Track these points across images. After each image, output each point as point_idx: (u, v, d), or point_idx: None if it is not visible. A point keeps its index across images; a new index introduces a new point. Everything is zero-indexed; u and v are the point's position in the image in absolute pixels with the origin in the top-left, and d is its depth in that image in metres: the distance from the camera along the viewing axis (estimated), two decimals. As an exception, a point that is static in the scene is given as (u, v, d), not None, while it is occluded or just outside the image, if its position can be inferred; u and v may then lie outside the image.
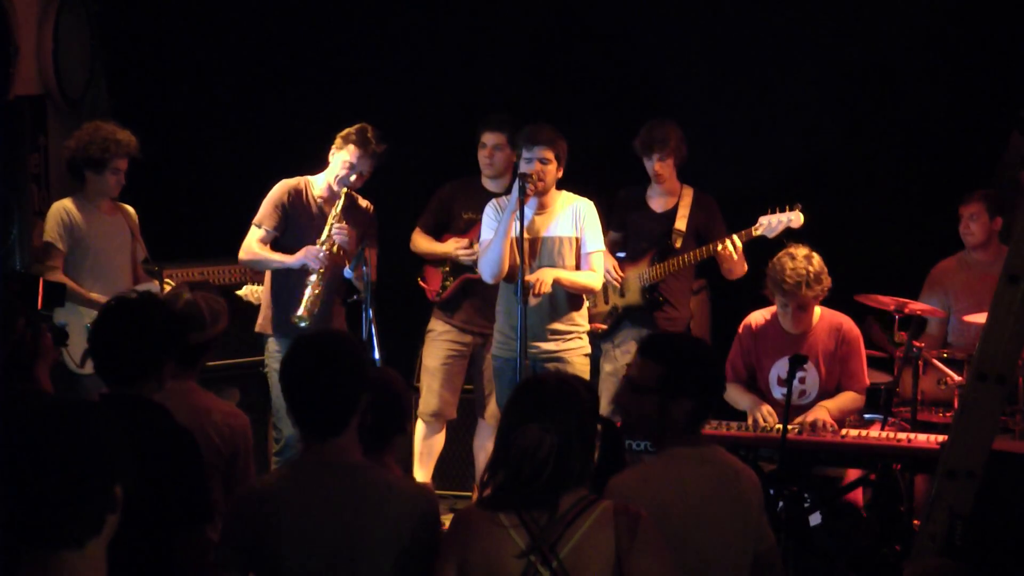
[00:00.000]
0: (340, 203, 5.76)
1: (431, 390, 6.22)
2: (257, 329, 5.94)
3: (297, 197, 5.85)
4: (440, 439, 6.33)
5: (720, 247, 5.88)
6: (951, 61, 6.63)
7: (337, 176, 5.79)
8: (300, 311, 5.60)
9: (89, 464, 2.08)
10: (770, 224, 5.82)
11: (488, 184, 6.30)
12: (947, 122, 6.66)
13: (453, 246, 6.21)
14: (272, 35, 7.37)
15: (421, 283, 6.33)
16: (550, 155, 5.58)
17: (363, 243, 5.65)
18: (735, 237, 5.89)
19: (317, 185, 5.89)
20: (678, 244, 6.12)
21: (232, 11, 7.33)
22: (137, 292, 3.79)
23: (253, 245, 5.83)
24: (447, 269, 6.28)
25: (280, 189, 5.86)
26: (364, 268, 5.48)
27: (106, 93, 7.27)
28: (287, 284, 5.81)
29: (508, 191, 6.13)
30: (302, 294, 5.67)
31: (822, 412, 5.20)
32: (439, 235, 6.32)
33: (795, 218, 5.80)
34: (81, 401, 2.14)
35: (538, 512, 2.88)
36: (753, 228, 5.87)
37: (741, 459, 5.04)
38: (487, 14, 7.15)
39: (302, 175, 5.94)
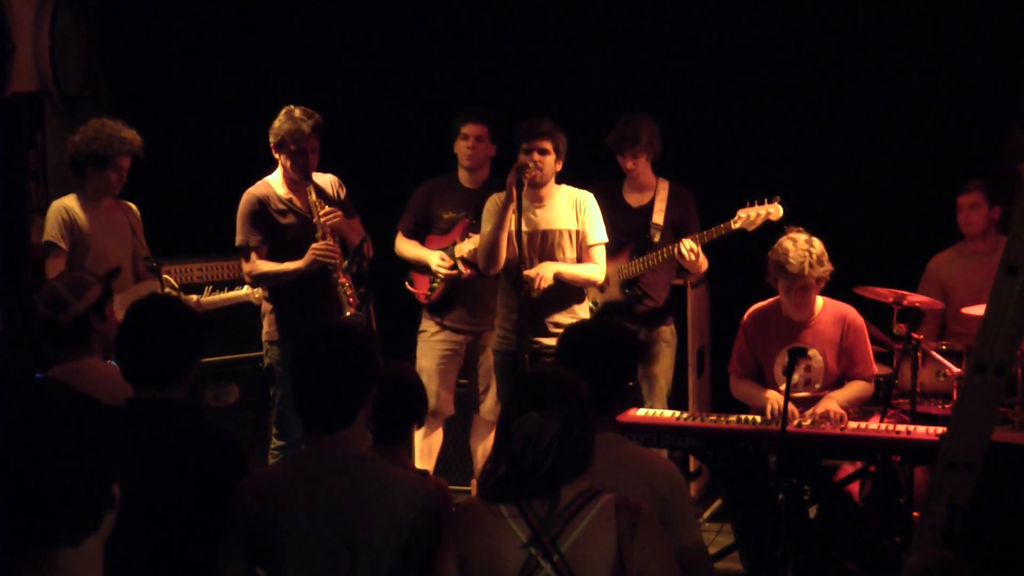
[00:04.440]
0: (312, 190, 5.72)
1: (428, 389, 6.19)
2: (265, 338, 5.93)
3: (265, 202, 5.79)
4: (439, 436, 6.34)
5: (679, 249, 5.87)
6: (948, 52, 6.62)
7: (291, 167, 5.74)
8: (347, 311, 5.58)
9: (87, 461, 2.08)
10: (748, 217, 5.80)
11: (465, 179, 6.25)
12: (944, 113, 6.65)
13: (435, 261, 6.14)
14: (270, 30, 7.38)
15: (409, 287, 6.31)
16: (548, 146, 5.59)
17: (362, 241, 5.63)
18: (687, 241, 5.86)
19: (278, 184, 5.83)
20: (656, 238, 6.12)
21: (230, 7, 7.33)
22: (158, 295, 3.79)
23: (258, 266, 5.78)
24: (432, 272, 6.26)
25: (248, 202, 5.80)
26: (364, 264, 5.47)
27: (104, 89, 7.27)
28: (285, 288, 5.80)
29: (485, 186, 6.15)
30: (333, 297, 5.66)
31: (832, 404, 5.19)
32: (421, 236, 6.27)
33: (774, 210, 5.77)
34: (79, 397, 2.13)
35: (538, 502, 2.88)
36: (732, 221, 5.84)
37: (740, 452, 5.13)
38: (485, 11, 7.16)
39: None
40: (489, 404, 6.22)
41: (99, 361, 4.06)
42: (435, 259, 6.16)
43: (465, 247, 6.11)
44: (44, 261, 5.78)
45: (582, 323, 3.64)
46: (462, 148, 6.20)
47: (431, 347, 6.23)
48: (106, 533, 2.12)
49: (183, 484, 3.22)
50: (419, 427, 3.89)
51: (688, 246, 5.86)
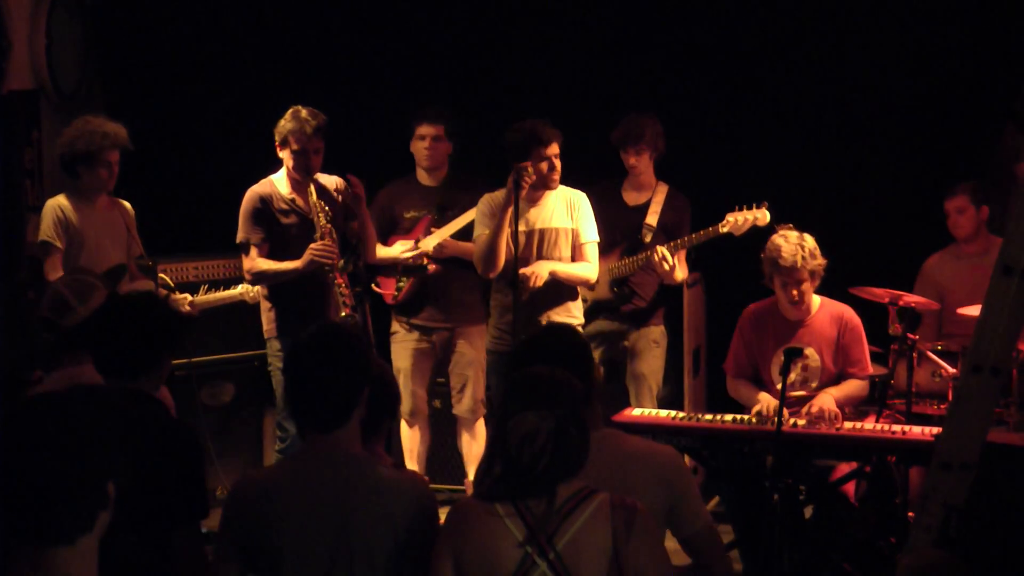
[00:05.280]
0: (313, 191, 5.73)
1: (406, 389, 6.21)
2: (265, 335, 5.94)
3: (268, 200, 5.81)
4: (425, 434, 6.36)
5: (652, 255, 5.92)
6: (944, 53, 6.63)
7: (296, 169, 5.75)
8: (343, 311, 5.60)
9: (81, 460, 2.08)
10: (736, 222, 5.85)
11: (424, 178, 6.28)
12: (940, 113, 6.66)
13: (399, 250, 6.17)
14: (267, 28, 7.37)
15: (376, 288, 6.32)
16: (558, 150, 5.64)
17: (358, 242, 5.64)
18: (661, 249, 5.90)
19: (282, 183, 5.85)
20: (648, 239, 6.14)
21: (226, 4, 7.32)
22: (135, 290, 3.80)
23: (257, 263, 5.79)
24: (399, 271, 6.25)
25: (251, 198, 5.82)
26: (360, 263, 5.48)
27: (100, 87, 7.26)
28: (285, 286, 5.81)
29: (444, 183, 6.19)
30: (332, 295, 5.69)
31: (827, 400, 5.20)
32: (385, 238, 6.26)
33: (761, 216, 5.83)
34: (74, 396, 2.13)
35: (534, 501, 2.88)
36: (720, 225, 5.89)
37: (736, 452, 5.13)
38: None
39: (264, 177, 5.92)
40: (467, 403, 6.22)
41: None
42: (398, 248, 6.17)
43: (430, 242, 6.13)
44: (41, 260, 5.79)
45: (532, 333, 3.69)
46: (419, 149, 6.22)
47: (404, 348, 6.24)
48: (101, 531, 2.13)
49: (142, 474, 3.19)
50: (391, 422, 3.90)
51: (660, 253, 5.88)
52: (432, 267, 6.14)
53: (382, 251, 6.21)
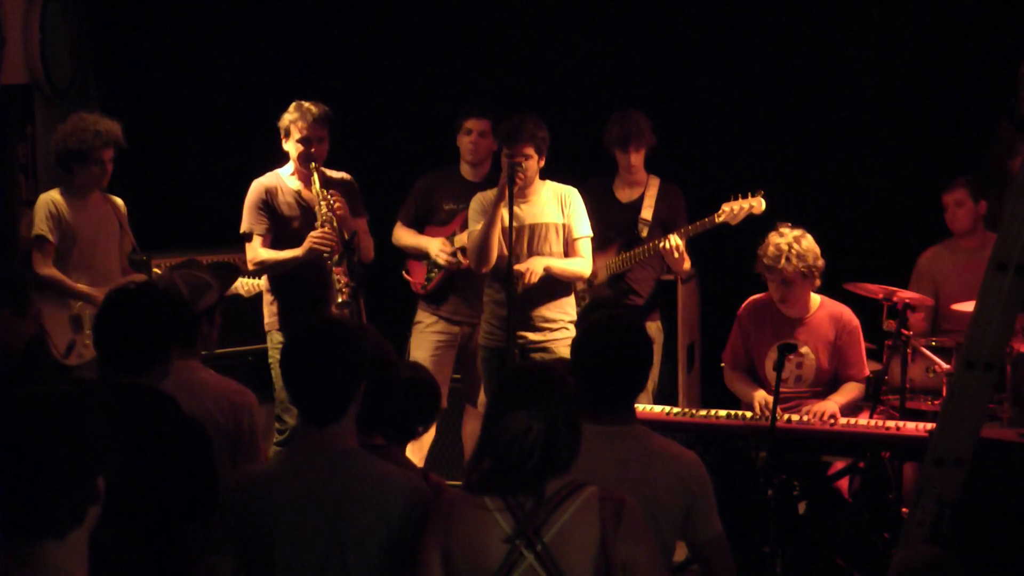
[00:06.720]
0: (316, 180, 5.74)
1: None
2: (266, 328, 5.95)
3: (273, 192, 5.83)
4: (431, 428, 6.35)
5: (664, 244, 5.94)
6: (938, 48, 6.63)
7: (299, 158, 5.78)
8: (339, 299, 5.62)
9: (71, 454, 2.07)
10: (732, 211, 5.86)
11: (468, 173, 6.28)
12: (934, 109, 6.66)
13: (436, 248, 6.19)
14: (260, 22, 7.36)
15: (406, 276, 6.32)
16: (531, 151, 5.58)
17: (352, 235, 5.65)
18: (673, 238, 5.92)
19: (287, 176, 5.87)
20: (644, 233, 6.16)
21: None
22: (136, 283, 3.76)
23: (260, 253, 5.81)
24: (430, 261, 6.27)
25: (256, 190, 5.83)
26: (355, 259, 5.48)
27: (94, 82, 7.26)
28: (286, 277, 5.82)
29: (487, 179, 6.17)
30: (329, 284, 5.69)
31: (832, 406, 5.20)
32: (420, 227, 6.28)
33: (756, 204, 5.84)
34: (65, 390, 2.13)
35: (523, 497, 2.88)
36: (715, 215, 5.91)
37: (730, 447, 5.14)
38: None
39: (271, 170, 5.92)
40: (483, 397, 6.23)
41: (198, 364, 3.98)
42: (436, 246, 6.19)
43: (465, 238, 6.13)
44: (32, 254, 5.80)
45: (597, 322, 3.62)
46: (465, 143, 6.23)
47: (426, 338, 6.24)
48: (91, 526, 2.12)
49: (152, 470, 3.19)
50: (425, 431, 3.89)
51: (674, 243, 5.90)
52: (466, 262, 6.12)
53: (416, 239, 6.24)
